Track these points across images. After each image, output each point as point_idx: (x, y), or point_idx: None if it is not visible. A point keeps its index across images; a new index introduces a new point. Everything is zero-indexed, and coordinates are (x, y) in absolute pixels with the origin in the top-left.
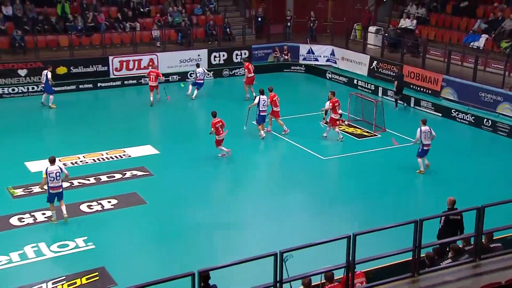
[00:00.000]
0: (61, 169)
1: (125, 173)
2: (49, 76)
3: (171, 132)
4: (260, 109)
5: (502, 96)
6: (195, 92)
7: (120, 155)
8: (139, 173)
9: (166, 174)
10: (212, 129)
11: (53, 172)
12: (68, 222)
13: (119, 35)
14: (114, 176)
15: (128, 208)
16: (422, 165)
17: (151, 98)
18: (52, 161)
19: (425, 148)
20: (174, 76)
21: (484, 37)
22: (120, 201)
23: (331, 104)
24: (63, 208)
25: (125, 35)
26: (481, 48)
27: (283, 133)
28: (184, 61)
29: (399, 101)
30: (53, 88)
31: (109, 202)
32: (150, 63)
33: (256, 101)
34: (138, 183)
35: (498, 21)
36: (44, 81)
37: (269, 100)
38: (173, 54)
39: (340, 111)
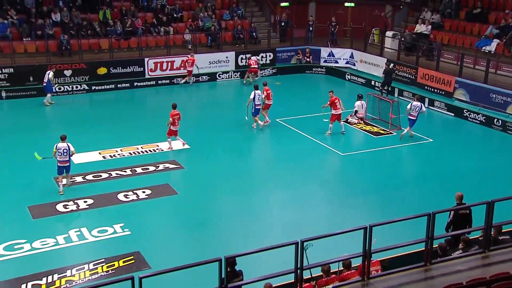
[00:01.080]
0: (69, 147)
1: (158, 166)
2: (51, 75)
3: (201, 127)
4: (256, 102)
5: None
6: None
7: (153, 149)
8: (171, 166)
9: (196, 167)
10: (170, 119)
11: (61, 149)
12: (107, 209)
13: (154, 38)
14: (148, 169)
15: (161, 198)
16: (409, 131)
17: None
18: (63, 139)
19: (410, 118)
20: (204, 77)
21: (495, 42)
22: (153, 192)
23: (329, 102)
24: (65, 180)
25: (159, 39)
26: (492, 52)
27: (263, 123)
28: (213, 62)
29: (383, 91)
30: (53, 87)
31: (144, 192)
32: (188, 58)
33: (252, 96)
34: (170, 175)
35: (509, 27)
36: (46, 80)
37: (264, 93)
38: (204, 56)
39: (341, 108)
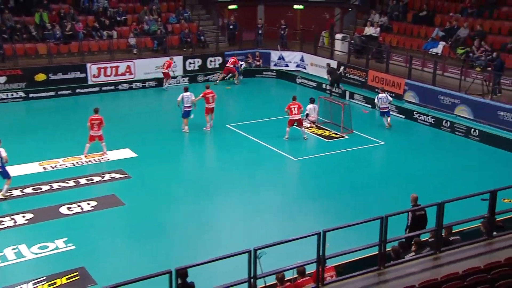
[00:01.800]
0: (0, 154)
1: (104, 176)
2: None
3: (149, 135)
4: (185, 105)
5: (459, 99)
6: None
7: (99, 159)
8: (118, 175)
9: (144, 176)
10: (88, 124)
11: None
12: (48, 223)
13: (96, 43)
14: (93, 179)
15: (107, 209)
16: (386, 122)
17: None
18: None
19: (382, 110)
20: (151, 82)
21: (442, 44)
22: (99, 203)
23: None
24: (5, 187)
25: (102, 43)
26: (439, 54)
27: (204, 128)
28: (160, 67)
29: (333, 91)
30: None
31: (89, 204)
32: (127, 70)
33: (179, 98)
34: (116, 185)
35: (454, 29)
36: None
37: (201, 95)
38: (149, 61)
39: (296, 113)
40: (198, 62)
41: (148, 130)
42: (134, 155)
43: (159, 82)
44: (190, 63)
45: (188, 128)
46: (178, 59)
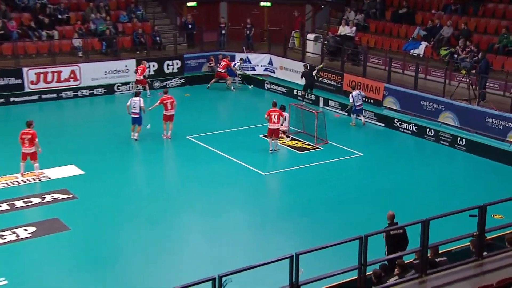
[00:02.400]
0: None
1: (45, 197)
2: None
3: (98, 150)
4: (131, 110)
5: (443, 104)
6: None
7: (38, 177)
8: (61, 196)
9: (92, 197)
10: (19, 140)
11: None
12: None
13: (34, 44)
14: (32, 201)
15: (48, 235)
16: (354, 119)
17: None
18: None
19: (357, 108)
20: (99, 89)
21: (423, 44)
22: (38, 229)
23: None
24: None
25: (41, 45)
26: (421, 55)
27: (163, 136)
28: (110, 72)
29: (305, 96)
30: None
31: (26, 230)
32: (71, 75)
33: (128, 103)
34: (59, 207)
35: (436, 28)
36: None
37: (158, 102)
38: (98, 65)
39: (275, 121)
40: (153, 66)
41: (97, 144)
42: (81, 172)
43: (108, 89)
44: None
45: (138, 136)
46: (130, 63)
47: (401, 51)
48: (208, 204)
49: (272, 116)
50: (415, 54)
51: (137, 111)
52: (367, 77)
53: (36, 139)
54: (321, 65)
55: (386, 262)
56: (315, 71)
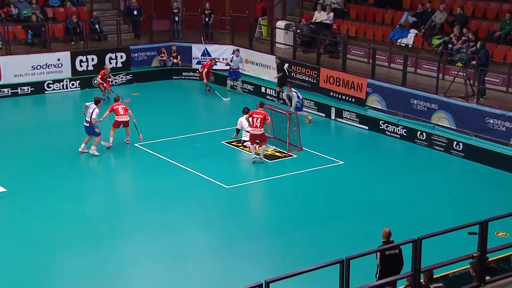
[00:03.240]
0: None
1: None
2: None
3: (25, 162)
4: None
5: (437, 103)
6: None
7: None
8: None
9: (16, 221)
10: None
11: None
12: None
13: None
14: None
15: None
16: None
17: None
18: None
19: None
20: (25, 88)
21: (413, 32)
22: None
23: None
24: None
25: None
26: (410, 45)
27: (106, 144)
28: (39, 67)
29: (281, 94)
30: None
31: None
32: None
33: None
34: None
35: (427, 14)
36: None
37: (108, 111)
38: (22, 59)
39: (258, 125)
40: (92, 60)
41: (23, 155)
42: (2, 189)
43: (36, 87)
44: (81, 61)
45: (94, 149)
46: (64, 56)
47: (387, 40)
48: (161, 224)
49: (255, 120)
50: (403, 44)
51: (89, 120)
52: (347, 72)
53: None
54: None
55: None
56: (286, 65)
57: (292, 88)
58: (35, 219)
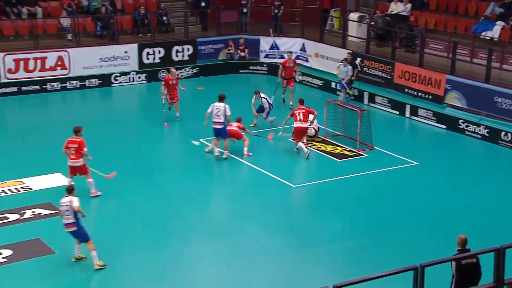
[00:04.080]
0: None
1: (24, 213)
2: None
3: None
4: (213, 120)
5: None
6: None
7: (16, 189)
8: (44, 211)
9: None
10: (64, 149)
11: None
12: None
13: (12, 23)
14: (8, 218)
15: (28, 260)
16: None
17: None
18: None
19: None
20: (93, 80)
21: (499, 25)
22: (16, 252)
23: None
24: None
25: (21, 24)
26: (495, 39)
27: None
28: (106, 59)
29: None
30: None
31: (0, 254)
32: (59, 63)
33: (209, 110)
34: (42, 225)
35: None
36: None
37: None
38: (91, 51)
39: (301, 119)
40: (159, 52)
41: (90, 147)
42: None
43: (103, 80)
44: (148, 53)
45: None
46: (131, 48)
47: (470, 33)
48: (227, 224)
49: (297, 114)
50: (488, 38)
51: (220, 121)
52: (425, 67)
53: (85, 149)
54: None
55: None
56: (358, 59)
57: (261, 94)
58: (100, 212)
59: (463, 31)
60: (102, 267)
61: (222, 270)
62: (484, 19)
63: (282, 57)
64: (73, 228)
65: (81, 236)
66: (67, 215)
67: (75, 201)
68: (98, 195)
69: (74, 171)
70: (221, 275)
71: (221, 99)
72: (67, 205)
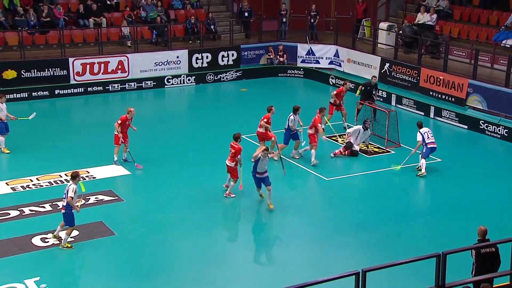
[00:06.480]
0: None
1: (89, 198)
2: (3, 106)
3: (146, 149)
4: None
5: None
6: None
7: (82, 177)
8: (106, 198)
9: (139, 199)
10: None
11: None
12: (17, 258)
13: (81, 32)
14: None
15: (92, 240)
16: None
17: None
18: None
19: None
20: (148, 82)
21: None
22: (82, 233)
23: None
24: None
25: (88, 33)
26: None
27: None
28: (160, 63)
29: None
30: (7, 124)
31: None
32: (119, 66)
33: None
34: (104, 210)
35: None
36: None
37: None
38: (147, 56)
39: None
40: (207, 57)
41: (146, 142)
42: (127, 172)
43: (158, 82)
44: (197, 58)
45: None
46: (182, 54)
47: (491, 42)
48: (263, 212)
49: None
50: (508, 46)
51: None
52: (448, 72)
53: (239, 156)
54: None
55: (471, 285)
56: (387, 64)
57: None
58: (155, 199)
59: (484, 39)
60: (68, 247)
61: (256, 254)
62: (505, 28)
63: (317, 62)
64: (62, 211)
65: (66, 220)
66: (64, 198)
67: (70, 191)
68: (232, 197)
69: (228, 170)
70: (255, 258)
71: (295, 110)
72: (66, 190)
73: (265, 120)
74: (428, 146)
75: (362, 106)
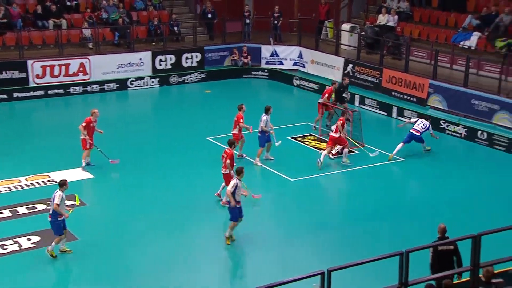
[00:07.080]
0: None
1: (50, 203)
2: None
3: (110, 151)
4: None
5: (499, 104)
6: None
7: (43, 181)
8: (68, 202)
9: (103, 204)
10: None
11: None
12: None
13: (40, 34)
14: (36, 207)
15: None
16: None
17: None
18: None
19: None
20: (111, 85)
21: (476, 35)
22: (43, 238)
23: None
24: None
25: (48, 34)
26: (473, 48)
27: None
28: (123, 66)
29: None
30: None
31: (29, 240)
32: (80, 69)
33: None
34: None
35: (492, 17)
36: None
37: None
38: (109, 58)
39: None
40: (170, 59)
41: (109, 145)
42: (90, 176)
43: (121, 84)
44: (161, 60)
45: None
46: (145, 55)
47: (450, 43)
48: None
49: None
50: (466, 47)
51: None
52: (410, 72)
53: (228, 161)
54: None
55: (433, 282)
56: (350, 65)
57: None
58: (119, 202)
59: (443, 40)
60: (52, 256)
61: (223, 255)
62: (463, 30)
63: (281, 63)
64: (49, 219)
65: (53, 228)
66: (50, 206)
67: (56, 198)
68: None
69: (224, 178)
70: (222, 259)
71: (267, 110)
72: (53, 197)
73: (241, 120)
74: (410, 131)
75: (333, 110)
